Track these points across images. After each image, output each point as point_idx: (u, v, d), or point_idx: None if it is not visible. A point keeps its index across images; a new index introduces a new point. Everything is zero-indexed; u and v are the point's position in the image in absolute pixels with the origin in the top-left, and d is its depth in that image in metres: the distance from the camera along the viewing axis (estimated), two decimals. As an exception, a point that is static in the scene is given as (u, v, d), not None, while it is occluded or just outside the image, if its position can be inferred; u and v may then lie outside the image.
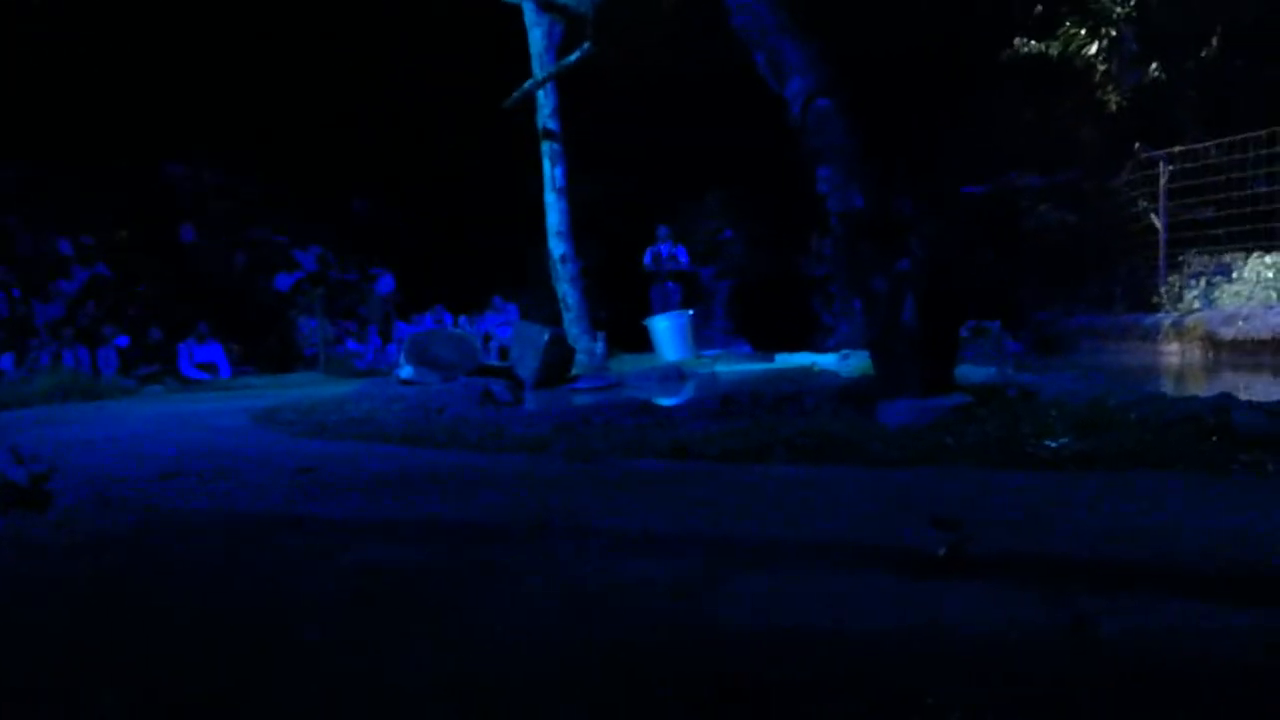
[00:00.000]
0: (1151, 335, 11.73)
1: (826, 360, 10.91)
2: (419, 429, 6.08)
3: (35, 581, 2.94)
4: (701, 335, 14.60)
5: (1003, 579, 2.53)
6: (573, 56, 11.43)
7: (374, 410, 7.20)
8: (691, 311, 13.85)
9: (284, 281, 16.93)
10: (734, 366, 11.56)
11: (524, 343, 9.79)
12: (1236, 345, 10.24)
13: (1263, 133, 12.11)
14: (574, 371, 10.39)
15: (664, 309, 15.06)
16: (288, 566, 2.98)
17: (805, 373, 9.55)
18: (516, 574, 2.77)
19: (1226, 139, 12.66)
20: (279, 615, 2.48)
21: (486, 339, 15.35)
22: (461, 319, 16.40)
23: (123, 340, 14.65)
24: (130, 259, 16.24)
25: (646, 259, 15.50)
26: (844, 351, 11.13)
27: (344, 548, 3.21)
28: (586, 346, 11.32)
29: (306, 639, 2.28)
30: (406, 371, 9.32)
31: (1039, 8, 16.26)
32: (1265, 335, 9.89)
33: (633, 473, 4.40)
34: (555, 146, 11.67)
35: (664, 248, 15.53)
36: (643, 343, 13.90)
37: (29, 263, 15.18)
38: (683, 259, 15.59)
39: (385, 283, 17.45)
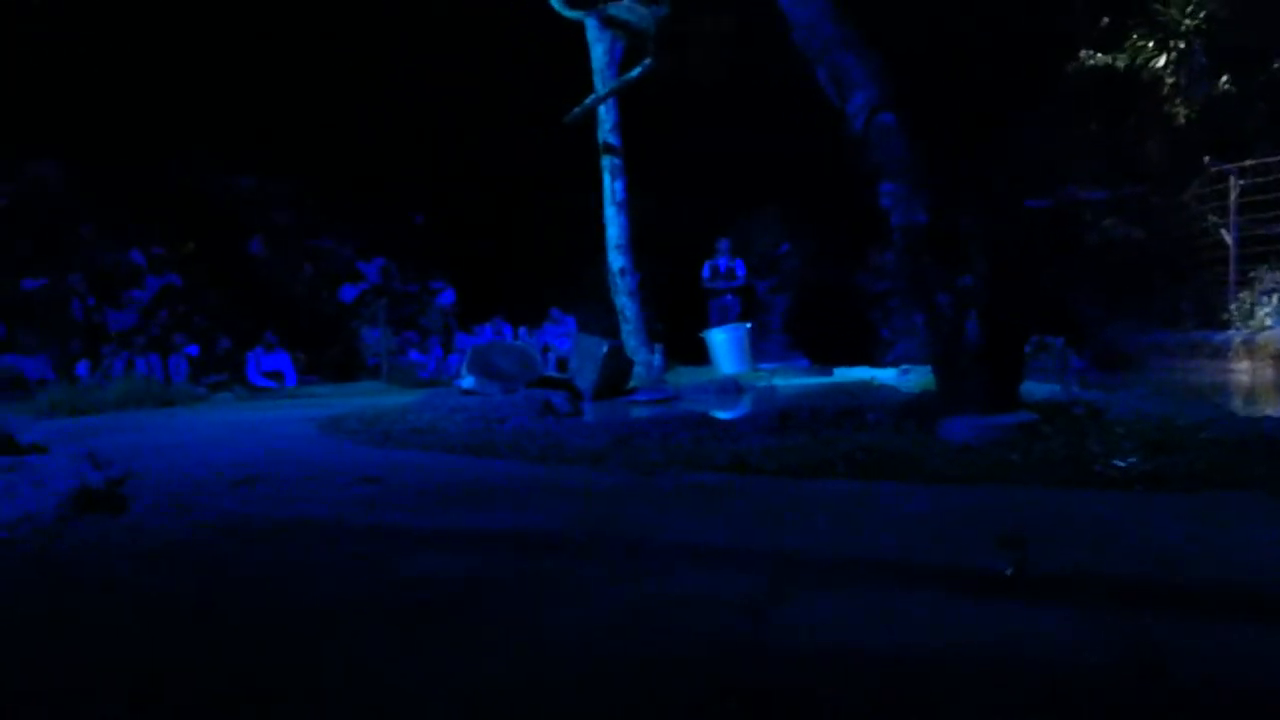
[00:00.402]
0: (1221, 352, 11.45)
1: (886, 375, 10.82)
2: (481, 439, 6.16)
3: (113, 585, 3.04)
4: (759, 348, 14.57)
5: (1070, 601, 2.50)
6: (634, 72, 11.51)
7: (436, 420, 7.31)
8: (749, 325, 13.83)
9: (348, 292, 17.26)
10: (792, 380, 11.52)
11: (583, 354, 9.86)
12: (1312, 364, 9.96)
13: (1338, 146, 11.79)
14: (632, 384, 10.43)
15: (721, 322, 15.06)
16: (353, 575, 3.04)
17: (864, 387, 9.48)
18: (576, 585, 2.80)
19: (1302, 152, 12.33)
20: (344, 623, 2.54)
21: (545, 350, 15.47)
22: (520, 330, 16.57)
23: (193, 349, 15.05)
24: (200, 269, 16.68)
25: (705, 273, 15.54)
26: (904, 366, 11.02)
27: (406, 556, 3.28)
28: (644, 359, 11.36)
29: (370, 648, 2.33)
30: (468, 382, 9.44)
31: (1106, 20, 16.00)
32: (1341, 354, 9.61)
33: (691, 486, 4.42)
34: (616, 161, 11.75)
35: (722, 261, 15.55)
36: (700, 355, 13.91)
37: (103, 272, 15.66)
38: (740, 273, 15.59)
39: (446, 294, 17.70)
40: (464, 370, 9.71)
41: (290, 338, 15.79)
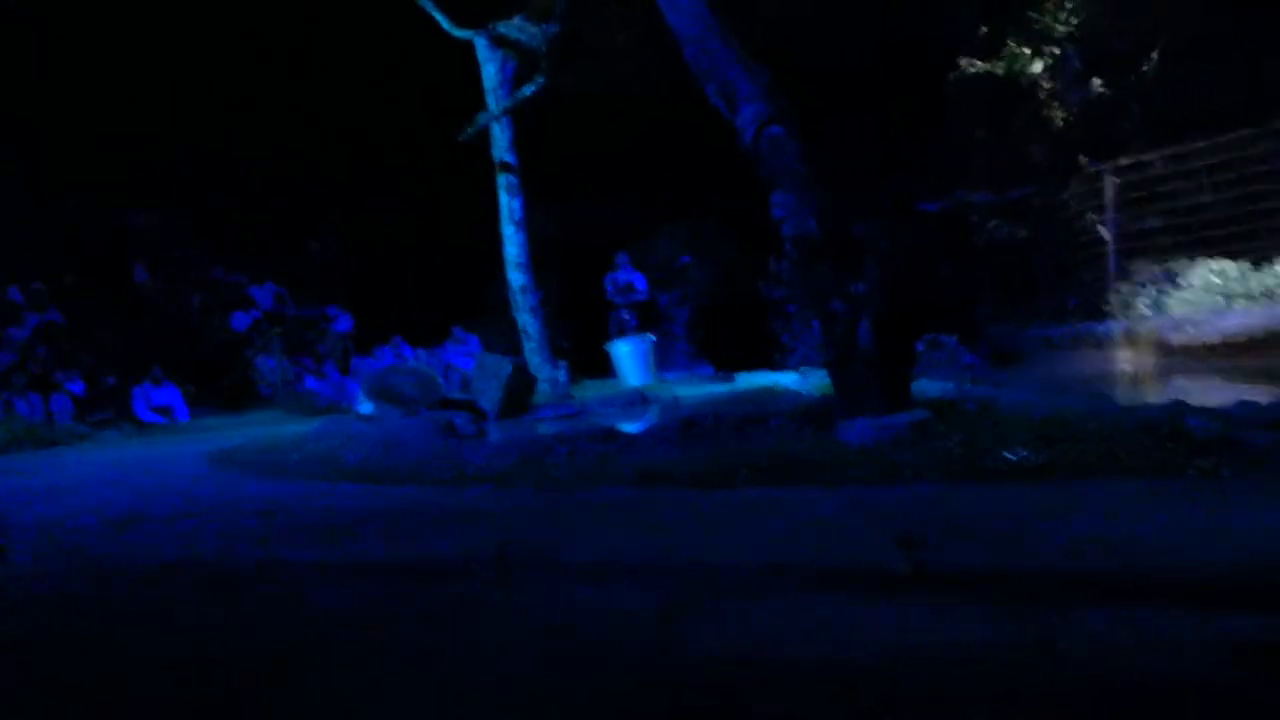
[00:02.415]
0: (1104, 344, 11.91)
1: (787, 379, 10.98)
2: (381, 465, 6.03)
3: (-11, 639, 2.87)
4: (664, 359, 14.64)
5: (968, 595, 2.55)
6: (527, 90, 11.48)
7: (334, 448, 7.12)
8: (653, 336, 13.88)
9: (241, 321, 16.74)
10: (696, 389, 11.58)
11: (486, 374, 9.75)
12: (1187, 350, 10.42)
13: (1204, 144, 12.40)
14: (537, 401, 10.35)
15: (623, 336, 15.14)
16: (253, 614, 2.93)
17: (767, 393, 9.59)
18: (487, 610, 2.75)
19: (1170, 151, 12.95)
20: (246, 666, 2.44)
21: (448, 371, 15.25)
22: (421, 352, 16.30)
23: (77, 386, 14.40)
24: (84, 304, 15.99)
25: (607, 287, 15.59)
26: (803, 370, 11.20)
27: (305, 592, 3.17)
28: (549, 375, 11.30)
29: (276, 690, 2.24)
30: (366, 407, 9.24)
31: (984, 29, 16.58)
32: (1214, 340, 10.09)
33: (600, 501, 4.39)
34: (512, 179, 11.68)
35: (621, 275, 15.63)
36: (606, 369, 13.90)
37: (-23, 311, 14.90)
38: (640, 286, 15.69)
39: (343, 319, 17.31)
40: (362, 396, 9.51)
41: (181, 370, 15.24)
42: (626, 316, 15.33)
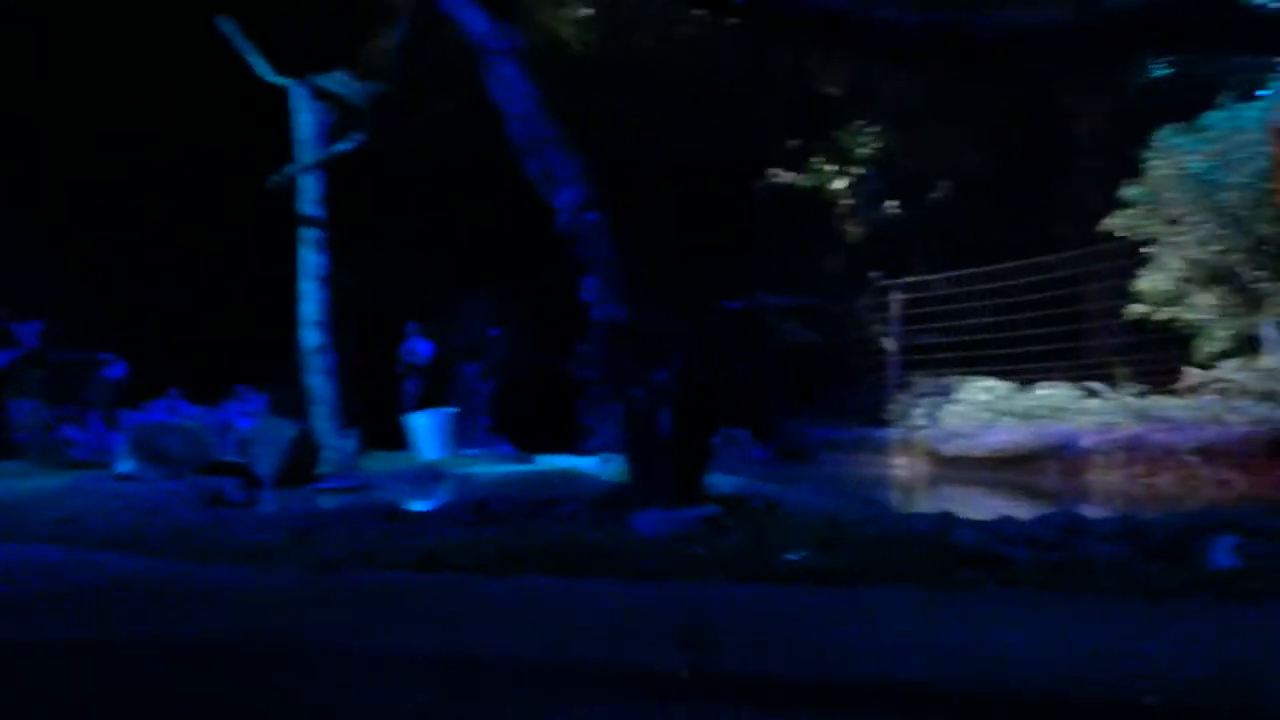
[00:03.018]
0: (882, 449, 12.59)
1: (587, 464, 10.94)
2: (132, 533, 5.51)
3: None
4: (464, 433, 14.33)
5: (745, 700, 2.52)
6: (343, 145, 11.18)
7: (84, 509, 6.47)
8: (454, 409, 13.60)
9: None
10: (494, 468, 11.36)
11: (265, 439, 9.20)
12: (956, 461, 11.14)
13: (983, 269, 13.49)
14: (322, 469, 9.85)
15: (409, 406, 14.93)
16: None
17: (565, 477, 9.51)
18: (237, 702, 2.49)
19: (952, 273, 14.01)
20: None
21: (226, 430, 14.33)
22: (201, 409, 15.25)
23: None
24: None
25: (402, 357, 15.39)
26: (604, 455, 11.19)
27: (28, 675, 2.79)
28: (336, 444, 10.77)
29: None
30: (127, 466, 8.51)
31: (796, 142, 17.59)
32: (982, 452, 10.84)
33: (375, 586, 4.15)
34: (317, 234, 11.26)
35: (409, 343, 15.51)
36: (401, 440, 13.47)
37: None
38: (424, 353, 15.54)
39: (116, 366, 16.00)
40: (124, 452, 8.75)
41: (-82, 407, 13.64)
42: (409, 385, 15.18)
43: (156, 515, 6.15)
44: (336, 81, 11.42)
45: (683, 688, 2.64)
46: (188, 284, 16.54)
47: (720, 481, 7.12)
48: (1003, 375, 12.60)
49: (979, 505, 7.26)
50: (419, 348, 15.47)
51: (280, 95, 11.50)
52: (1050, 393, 11.62)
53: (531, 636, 3.24)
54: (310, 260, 11.21)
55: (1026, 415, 11.40)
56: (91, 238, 16.17)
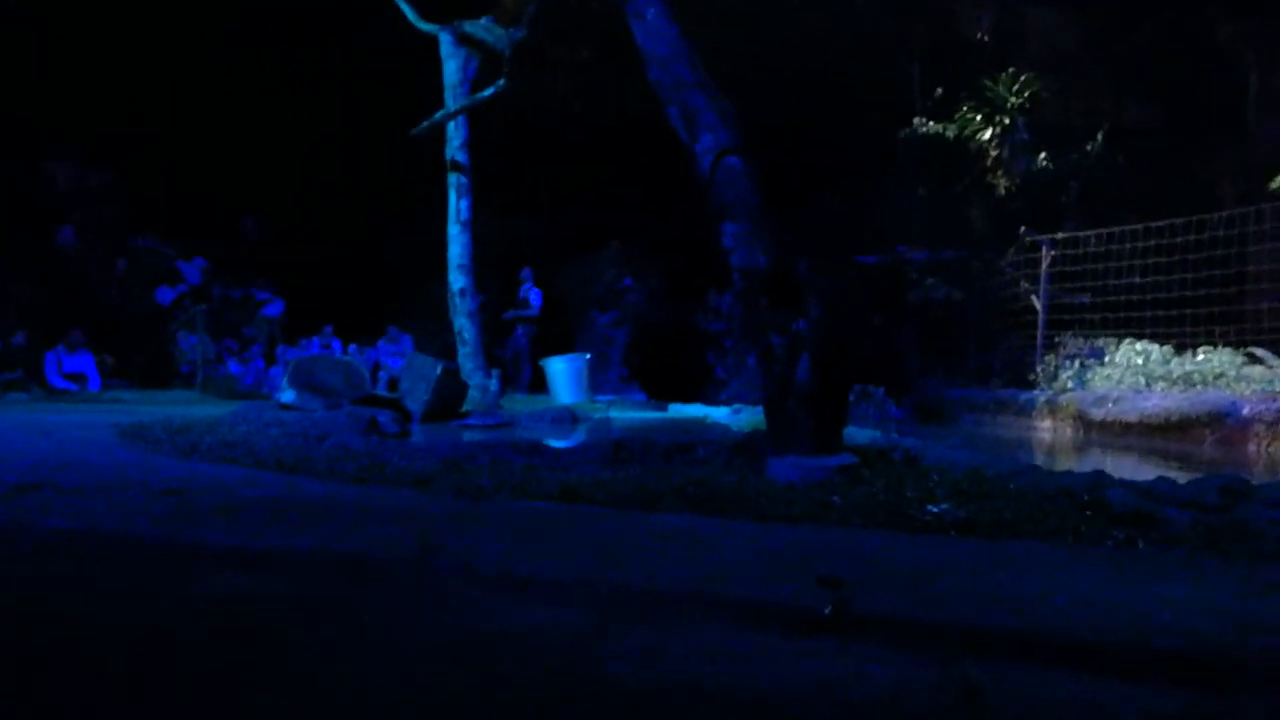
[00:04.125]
0: (1026, 411, 12.17)
1: (719, 413, 10.99)
2: (297, 456, 5.84)
3: None
4: (597, 381, 14.58)
5: (887, 641, 2.53)
6: (487, 92, 11.38)
7: (250, 434, 6.90)
8: (588, 355, 13.83)
9: (166, 295, 16.23)
10: (628, 413, 11.55)
11: (415, 374, 9.58)
12: (1105, 426, 10.70)
13: (1138, 227, 12.81)
14: (466, 408, 10.20)
15: (513, 352, 15.20)
16: (145, 594, 2.79)
17: (698, 424, 9.59)
18: (397, 614, 2.65)
19: (1105, 229, 13.36)
20: (131, 648, 2.31)
21: (377, 368, 14.98)
22: (351, 346, 15.98)
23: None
24: (2, 259, 15.37)
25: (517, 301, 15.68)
26: (736, 406, 11.23)
27: (208, 576, 3.03)
28: (480, 383, 11.14)
29: (160, 677, 2.12)
30: (288, 396, 9.00)
31: (940, 91, 16.99)
32: (1133, 418, 10.37)
33: (521, 513, 4.31)
34: (462, 179, 11.56)
35: (520, 290, 15.71)
36: (539, 383, 13.79)
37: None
38: (534, 303, 15.73)
39: (274, 304, 16.88)
40: (285, 383, 9.26)
41: (98, 338, 14.71)
42: (520, 333, 15.43)
43: (319, 441, 6.51)
44: (480, 27, 11.62)
45: (825, 625, 2.66)
46: (342, 226, 17.23)
47: (856, 435, 7.06)
48: (1157, 338, 12.01)
49: (1131, 471, 6.99)
50: (531, 296, 15.71)
51: (425, 45, 11.79)
52: (1209, 358, 11.02)
53: (671, 569, 3.31)
54: (456, 204, 11.51)
55: (1183, 380, 10.84)
56: (254, 181, 16.98)
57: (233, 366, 15.37)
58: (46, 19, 15.56)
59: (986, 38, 17.28)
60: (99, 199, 16.86)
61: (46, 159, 16.70)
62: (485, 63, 11.66)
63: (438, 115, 11.45)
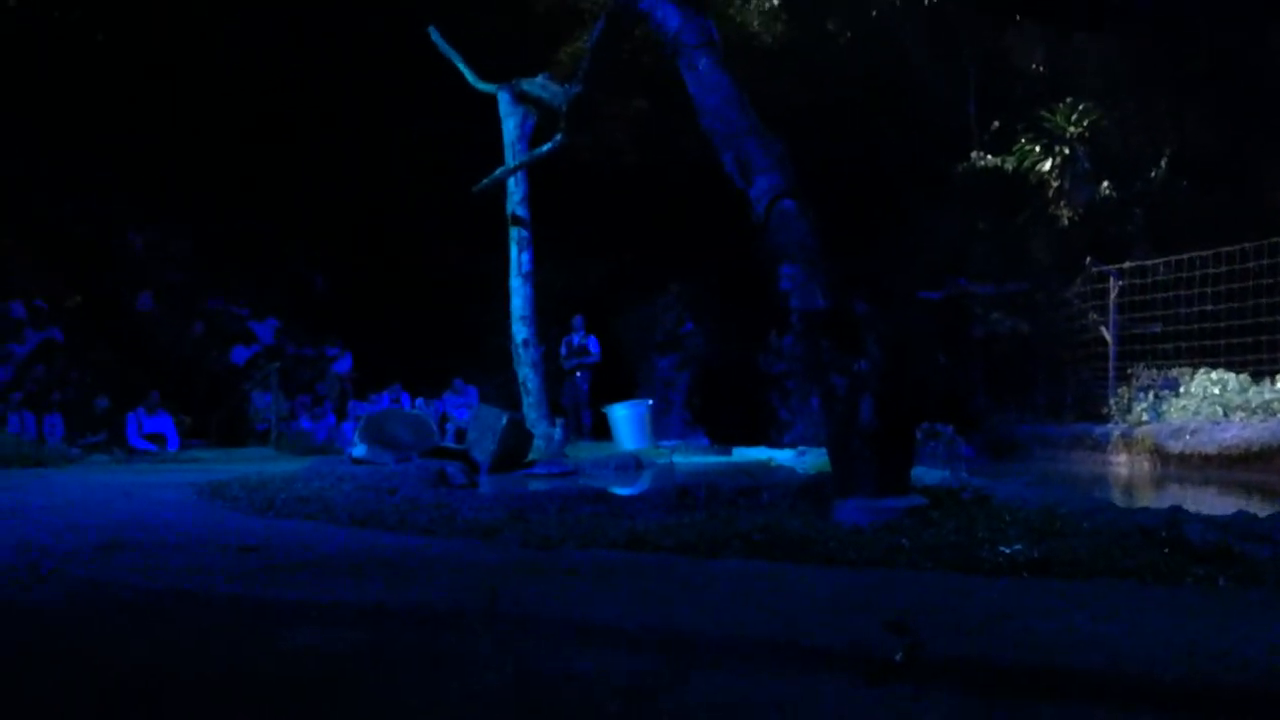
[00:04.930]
0: (1101, 445, 11.90)
1: (783, 456, 10.93)
2: (369, 510, 5.96)
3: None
4: (660, 426, 14.60)
5: (959, 685, 2.50)
6: (545, 147, 11.61)
7: (324, 489, 7.06)
8: (650, 402, 13.87)
9: (240, 354, 16.72)
10: (691, 458, 11.54)
11: (482, 426, 9.71)
12: (1184, 459, 10.42)
13: (1208, 253, 12.53)
14: (531, 457, 10.30)
15: (573, 401, 15.19)
16: (222, 649, 2.87)
17: (762, 467, 9.55)
18: (467, 663, 2.69)
19: (1173, 257, 13.09)
20: (209, 701, 2.38)
21: (444, 420, 15.20)
22: (419, 400, 16.26)
23: (69, 408, 14.32)
24: (84, 324, 15.99)
25: (561, 349, 15.63)
26: (801, 448, 11.16)
27: (287, 630, 3.11)
28: (545, 432, 11.24)
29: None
30: (359, 450, 9.18)
31: (996, 124, 16.88)
32: (1211, 450, 10.09)
33: (588, 562, 4.33)
34: (523, 233, 11.77)
35: (575, 338, 15.69)
36: (602, 431, 13.85)
37: (-21, 325, 14.89)
38: (593, 349, 15.71)
39: (344, 360, 17.28)
40: (356, 438, 9.46)
41: (176, 399, 15.18)
42: (580, 378, 15.37)
43: (390, 494, 6.64)
44: (536, 85, 11.88)
45: (897, 671, 2.64)
46: (408, 282, 17.60)
47: (924, 475, 6.98)
48: (1233, 366, 11.68)
49: (1210, 504, 6.79)
50: (589, 343, 15.69)
51: (485, 104, 12.09)
52: (1290, 385, 10.70)
53: (738, 615, 3.31)
54: (518, 257, 11.71)
55: (1263, 409, 10.52)
56: (322, 240, 17.47)
57: (305, 423, 15.72)
58: (120, 88, 16.25)
59: (1041, 68, 17.17)
60: (174, 264, 17.50)
61: (126, 225, 17.38)
62: (543, 118, 11.91)
63: (498, 172, 11.70)
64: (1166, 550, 4.13)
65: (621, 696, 2.39)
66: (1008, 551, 4.26)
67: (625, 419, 13.00)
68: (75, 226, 16.54)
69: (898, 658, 2.71)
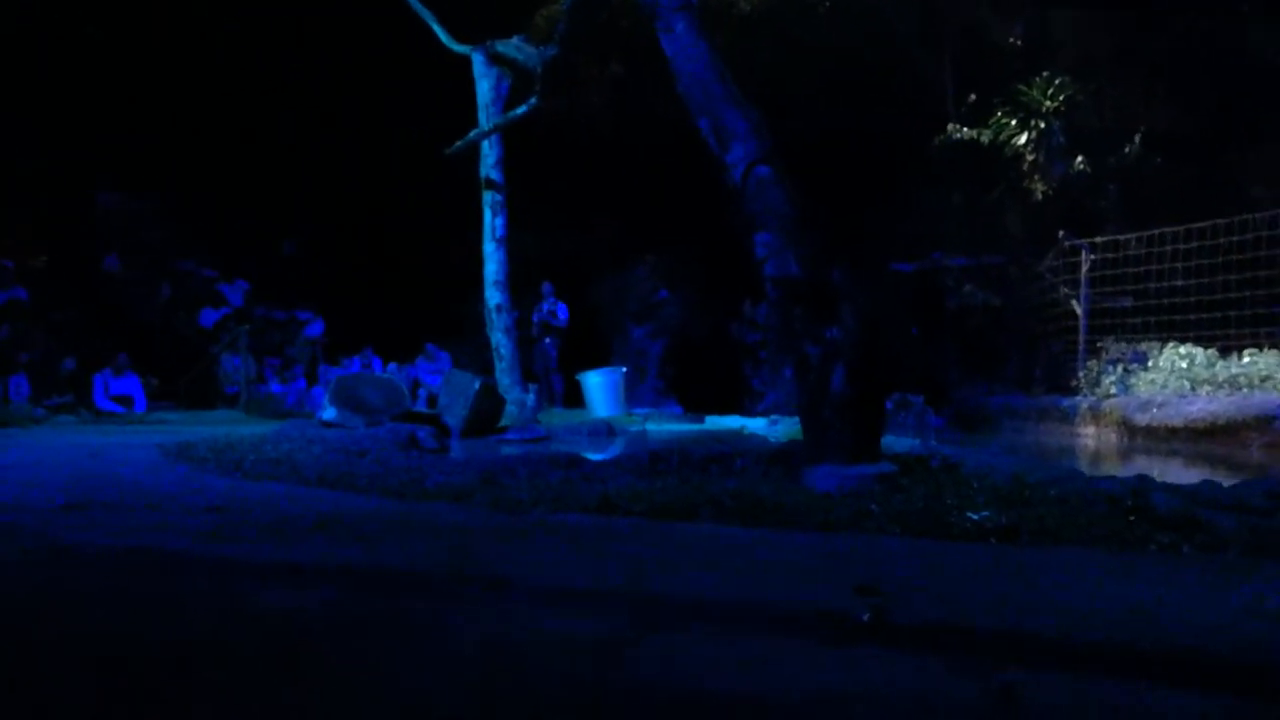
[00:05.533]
0: (1069, 417, 12.02)
1: (756, 424, 10.97)
2: (338, 472, 5.92)
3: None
4: (633, 394, 14.60)
5: (925, 647, 2.52)
6: (519, 110, 11.49)
7: (293, 451, 7.00)
8: (625, 369, 13.86)
9: (209, 317, 16.52)
10: (664, 426, 11.56)
11: (453, 390, 9.67)
12: (1150, 431, 10.53)
13: (1179, 229, 12.62)
14: (503, 422, 10.27)
15: (543, 366, 15.20)
16: (190, 609, 2.84)
17: (734, 435, 9.58)
18: (436, 625, 2.68)
19: (1144, 233, 13.17)
20: (177, 662, 2.36)
21: (415, 386, 15.12)
22: (391, 365, 16.15)
23: (36, 369, 14.12)
24: (51, 285, 15.73)
25: (532, 318, 15.62)
26: (773, 417, 11.20)
27: (252, 592, 3.09)
28: (517, 398, 11.20)
29: (207, 689, 2.16)
30: (329, 413, 9.12)
31: (973, 97, 16.87)
32: (1178, 423, 10.20)
33: (558, 526, 4.33)
34: (497, 197, 11.66)
35: (545, 304, 15.69)
36: (575, 398, 13.84)
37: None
38: (562, 316, 15.73)
39: (315, 325, 17.12)
40: (326, 401, 9.39)
41: (144, 361, 14.99)
42: (548, 344, 15.41)
43: (359, 457, 6.60)
44: (512, 47, 11.73)
45: (862, 632, 2.66)
46: (380, 246, 17.44)
47: (895, 443, 7.02)
48: (1201, 341, 11.81)
49: (1176, 475, 6.88)
50: (559, 309, 15.71)
51: (459, 65, 11.92)
52: (1255, 360, 10.82)
53: (708, 579, 3.32)
54: (491, 222, 11.61)
55: (1229, 384, 10.65)
56: (292, 203, 17.25)
57: (275, 386, 15.59)
58: (89, 48, 15.93)
59: (1019, 43, 17.16)
60: (142, 224, 17.23)
61: (92, 187, 17.08)
62: (518, 81, 11.76)
63: (472, 134, 11.56)
64: (1132, 518, 4.18)
65: (590, 657, 2.39)
66: (976, 518, 4.29)
67: (598, 386, 13.00)
68: (42, 186, 16.23)
69: (865, 618, 2.73)
